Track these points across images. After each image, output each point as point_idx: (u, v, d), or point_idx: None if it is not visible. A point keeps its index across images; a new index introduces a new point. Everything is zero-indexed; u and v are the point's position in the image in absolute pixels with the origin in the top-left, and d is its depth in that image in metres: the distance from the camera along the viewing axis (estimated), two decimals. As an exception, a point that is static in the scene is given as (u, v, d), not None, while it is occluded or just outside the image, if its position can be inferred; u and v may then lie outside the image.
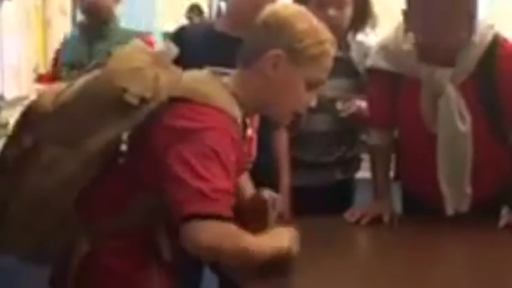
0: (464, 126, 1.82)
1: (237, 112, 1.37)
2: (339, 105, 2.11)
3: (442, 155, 1.85)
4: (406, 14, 1.84)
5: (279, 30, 1.40)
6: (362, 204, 2.02)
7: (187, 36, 1.93)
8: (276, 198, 1.55)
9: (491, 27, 1.85)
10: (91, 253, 1.36)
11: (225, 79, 1.43)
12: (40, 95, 1.45)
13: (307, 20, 1.42)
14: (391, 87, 1.94)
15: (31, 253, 1.41)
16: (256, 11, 1.55)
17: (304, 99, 1.46)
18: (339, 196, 2.16)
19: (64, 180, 1.33)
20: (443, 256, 1.67)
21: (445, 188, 1.86)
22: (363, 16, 2.16)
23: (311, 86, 1.44)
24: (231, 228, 1.26)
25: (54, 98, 1.41)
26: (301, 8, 1.47)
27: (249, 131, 1.51)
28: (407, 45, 1.88)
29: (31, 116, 1.42)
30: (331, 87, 2.05)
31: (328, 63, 1.44)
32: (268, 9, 1.45)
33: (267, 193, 1.54)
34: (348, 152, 2.20)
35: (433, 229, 1.79)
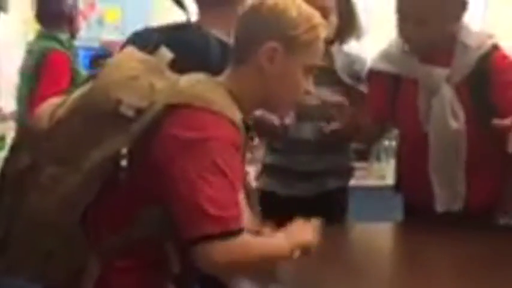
0: (456, 124, 1.86)
1: (237, 114, 1.33)
2: (325, 127, 2.10)
3: (433, 152, 1.90)
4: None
5: (270, 20, 1.37)
6: None
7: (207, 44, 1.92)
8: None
9: (491, 36, 1.90)
10: (102, 275, 1.32)
11: (219, 78, 1.40)
12: (37, 112, 1.42)
13: (297, 6, 1.39)
14: (390, 89, 1.99)
15: (38, 275, 1.37)
16: None
17: (303, 86, 1.43)
18: (333, 205, 2.16)
19: (65, 199, 1.29)
20: (441, 262, 1.68)
21: (436, 184, 1.90)
22: (348, 27, 2.16)
23: (307, 71, 1.41)
24: (243, 240, 1.25)
25: (50, 115, 1.37)
26: None
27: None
28: (407, 47, 1.93)
29: (28, 134, 1.39)
30: (316, 97, 2.06)
31: (321, 46, 1.42)
32: (252, 0, 1.42)
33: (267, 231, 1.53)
34: (339, 160, 2.19)
35: (432, 235, 1.81)
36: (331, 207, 2.15)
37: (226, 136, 1.28)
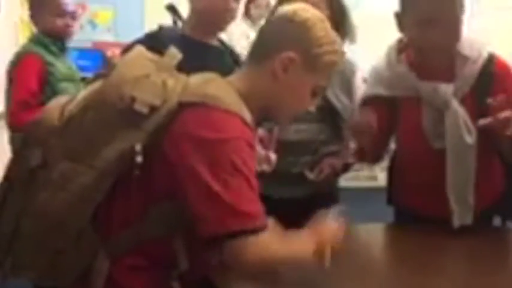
0: (471, 138, 1.85)
1: (248, 113, 1.34)
2: (310, 175, 2.09)
3: (451, 169, 1.88)
4: (398, 16, 1.88)
5: (298, 32, 1.39)
6: None
7: (165, 38, 1.93)
8: None
9: (485, 44, 1.90)
10: (111, 272, 1.33)
11: (231, 77, 1.42)
12: (45, 110, 1.42)
13: (325, 27, 1.42)
14: (389, 112, 1.96)
15: (47, 274, 1.37)
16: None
17: (307, 104, 1.46)
18: (321, 207, 2.15)
19: (78, 197, 1.29)
20: (437, 262, 1.69)
21: (452, 201, 1.89)
22: (339, 30, 2.13)
23: (314, 93, 1.44)
24: (269, 237, 1.27)
25: (60, 112, 1.37)
26: (318, 13, 1.45)
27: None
28: (402, 67, 1.91)
29: (38, 132, 1.38)
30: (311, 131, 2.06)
31: (333, 72, 1.47)
32: (287, 8, 1.45)
33: None
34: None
35: (429, 240, 1.82)
36: (319, 209, 2.13)
37: (240, 135, 1.30)
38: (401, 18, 1.92)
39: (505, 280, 1.58)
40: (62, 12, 2.87)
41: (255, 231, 1.25)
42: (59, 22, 2.86)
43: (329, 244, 1.39)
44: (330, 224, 1.44)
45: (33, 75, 2.73)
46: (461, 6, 1.87)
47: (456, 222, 1.91)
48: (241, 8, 4.75)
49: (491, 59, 1.92)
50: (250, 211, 1.25)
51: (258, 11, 5.01)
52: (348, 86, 2.18)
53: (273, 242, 1.29)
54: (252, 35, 4.75)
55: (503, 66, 1.95)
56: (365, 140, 1.94)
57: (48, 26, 2.86)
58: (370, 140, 1.93)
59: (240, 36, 4.60)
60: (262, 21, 4.84)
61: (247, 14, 5.06)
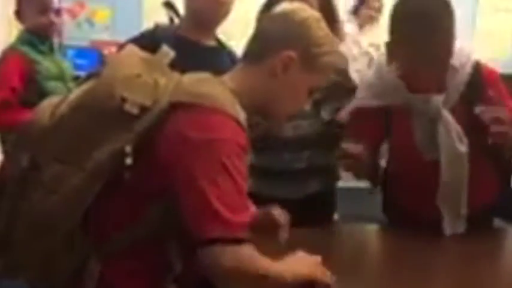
0: (464, 147, 1.84)
1: (241, 113, 1.32)
2: (324, 114, 2.08)
3: (445, 179, 1.87)
4: (389, 46, 1.87)
5: (298, 31, 1.38)
6: None
7: (160, 37, 1.92)
8: (286, 216, 1.56)
9: (471, 51, 1.89)
10: (104, 275, 1.31)
11: (225, 76, 1.39)
12: (37, 111, 1.40)
13: (324, 27, 1.41)
14: (381, 122, 1.95)
15: (39, 277, 1.35)
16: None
17: (303, 103, 1.45)
18: (318, 208, 2.14)
19: (68, 199, 1.27)
20: (430, 262, 1.68)
21: (445, 210, 1.87)
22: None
23: (310, 92, 1.43)
24: (251, 251, 1.23)
25: (51, 112, 1.35)
26: (315, 13, 1.45)
27: None
28: (393, 77, 1.90)
29: (29, 133, 1.36)
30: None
31: (331, 74, 1.45)
32: (286, 7, 1.44)
33: (277, 211, 1.55)
34: (321, 159, 2.16)
35: (425, 241, 1.82)
36: (316, 209, 2.13)
37: (233, 137, 1.28)
38: (392, 49, 1.87)
39: (500, 281, 1.57)
40: (46, 9, 2.84)
41: (237, 241, 1.22)
42: (43, 19, 2.83)
43: (303, 276, 1.36)
44: (305, 259, 1.42)
45: (15, 74, 2.71)
46: (452, 33, 1.79)
47: (448, 230, 1.91)
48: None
49: (478, 67, 1.91)
50: (237, 219, 1.22)
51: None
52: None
53: (254, 256, 1.25)
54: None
55: (490, 72, 1.95)
56: (357, 170, 1.92)
57: (33, 22, 2.83)
58: (362, 168, 1.91)
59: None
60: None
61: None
